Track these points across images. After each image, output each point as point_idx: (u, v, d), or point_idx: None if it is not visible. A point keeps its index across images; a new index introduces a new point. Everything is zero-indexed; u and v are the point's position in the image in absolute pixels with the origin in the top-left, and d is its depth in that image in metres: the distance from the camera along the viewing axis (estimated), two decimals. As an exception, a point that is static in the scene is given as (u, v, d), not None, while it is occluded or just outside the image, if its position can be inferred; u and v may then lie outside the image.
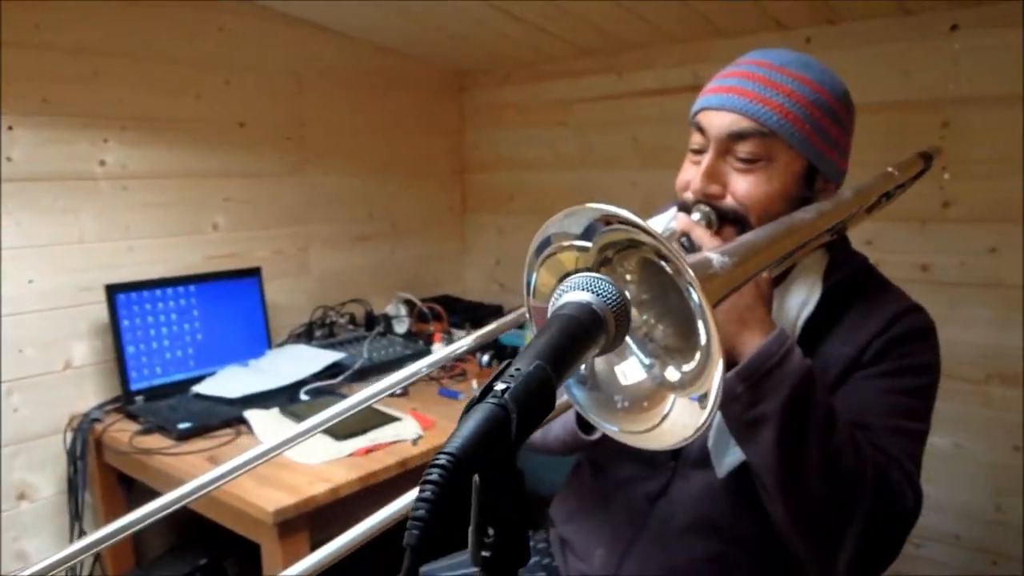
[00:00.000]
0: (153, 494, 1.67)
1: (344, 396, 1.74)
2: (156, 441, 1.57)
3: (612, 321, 0.54)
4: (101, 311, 1.77)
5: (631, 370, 0.68)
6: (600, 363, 0.68)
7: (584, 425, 1.00)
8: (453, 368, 1.98)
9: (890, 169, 1.10)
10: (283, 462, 1.46)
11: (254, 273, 1.99)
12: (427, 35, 2.22)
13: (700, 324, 0.59)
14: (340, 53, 2.25)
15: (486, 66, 2.55)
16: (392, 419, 1.62)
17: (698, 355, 0.62)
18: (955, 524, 1.82)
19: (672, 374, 0.65)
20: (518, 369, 0.45)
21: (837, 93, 0.95)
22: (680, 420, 0.62)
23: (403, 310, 2.38)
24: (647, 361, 0.67)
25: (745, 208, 0.92)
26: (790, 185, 0.93)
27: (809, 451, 0.79)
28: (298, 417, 1.62)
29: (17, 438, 1.70)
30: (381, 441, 1.53)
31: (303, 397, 1.77)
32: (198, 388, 1.77)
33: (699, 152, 0.95)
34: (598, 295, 0.53)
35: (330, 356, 1.91)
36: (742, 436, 0.83)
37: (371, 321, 2.26)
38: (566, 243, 0.65)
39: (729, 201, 0.93)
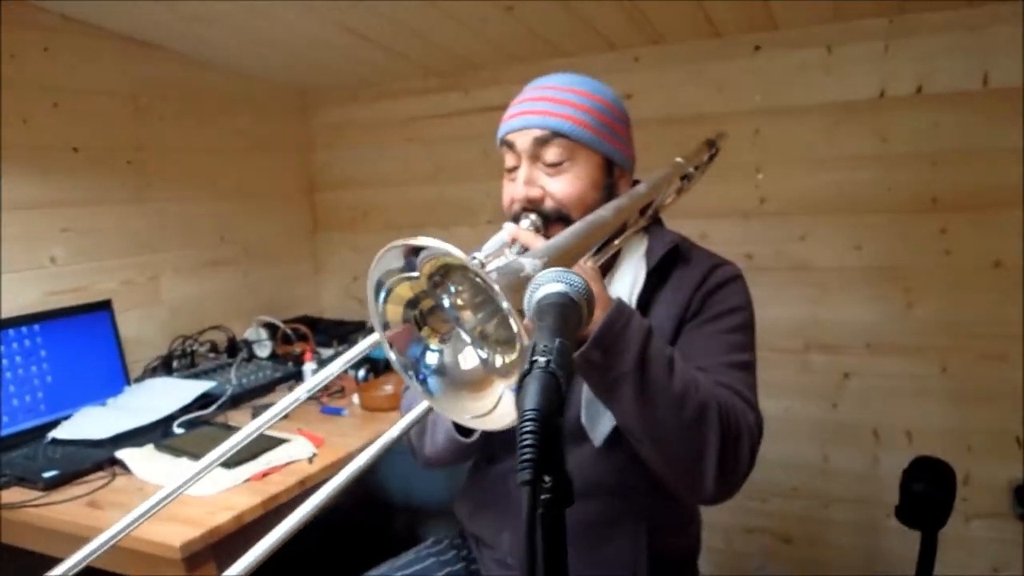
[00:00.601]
0: (17, 554, 1.53)
1: (221, 425, 1.72)
2: (19, 494, 1.43)
3: (584, 304, 0.63)
4: (-73, 361, 1.59)
5: (469, 358, 0.81)
6: (447, 355, 0.81)
7: (460, 430, 1.07)
8: (330, 387, 1.98)
9: (678, 159, 1.30)
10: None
11: (104, 307, 1.87)
12: (268, 55, 2.19)
13: (512, 322, 0.70)
14: (178, 73, 2.17)
15: (331, 84, 2.55)
16: (280, 441, 1.60)
17: (517, 347, 0.73)
18: (792, 478, 2.10)
19: (499, 362, 0.79)
20: (546, 346, 0.52)
21: (610, 98, 1.14)
22: (509, 404, 0.74)
23: (264, 334, 2.32)
24: (483, 354, 0.81)
25: (565, 206, 1.08)
26: (595, 177, 1.10)
27: (664, 395, 0.91)
28: (176, 451, 1.55)
29: None
30: (276, 463, 1.50)
31: (177, 430, 1.69)
32: (55, 433, 1.63)
33: (513, 170, 1.11)
34: (570, 285, 0.61)
35: (199, 386, 1.83)
36: (607, 398, 0.94)
37: (233, 347, 2.18)
38: (395, 278, 0.80)
39: (549, 203, 1.08)
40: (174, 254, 2.17)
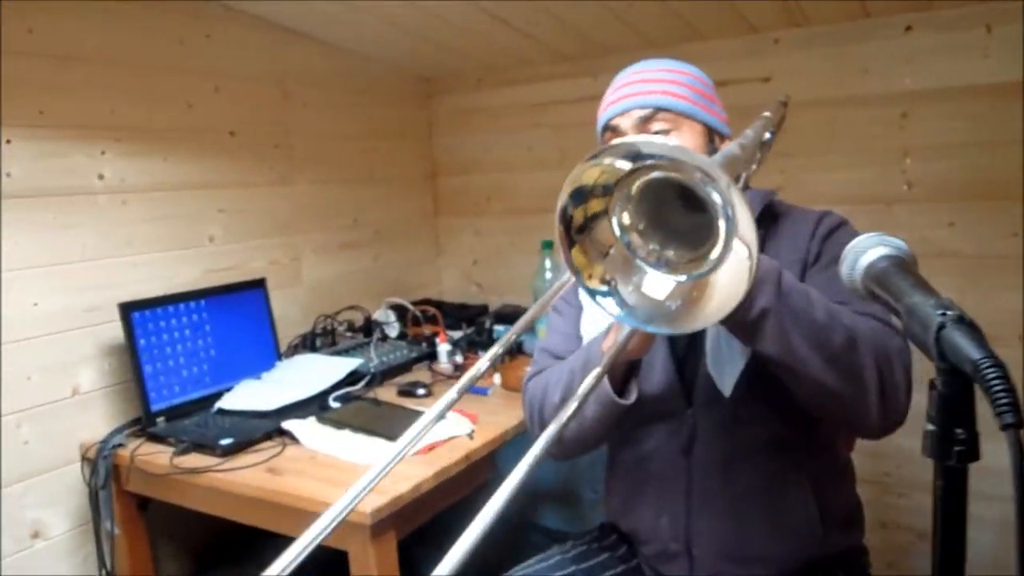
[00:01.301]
0: (172, 512, 1.62)
1: (371, 400, 1.77)
2: (198, 460, 1.52)
3: (912, 258, 0.62)
4: (109, 331, 1.69)
5: (659, 284, 0.80)
6: (630, 296, 0.81)
7: (618, 390, 1.05)
8: (465, 368, 2.02)
9: (766, 113, 1.28)
10: (343, 466, 1.46)
11: (259, 284, 1.95)
12: (395, 40, 2.23)
13: (717, 196, 0.71)
14: (319, 60, 2.24)
15: (455, 71, 2.59)
16: (439, 417, 1.64)
17: (719, 245, 0.73)
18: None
19: (700, 267, 0.77)
20: (932, 301, 0.51)
21: (696, 71, 1.22)
22: (731, 279, 0.73)
23: (392, 315, 2.38)
24: (669, 277, 0.80)
25: None
26: (700, 144, 1.15)
27: (809, 326, 0.91)
28: (338, 424, 1.62)
29: (28, 473, 1.59)
30: (439, 439, 1.55)
31: (333, 404, 1.75)
32: (222, 404, 1.72)
33: None
34: (896, 247, 0.61)
35: (348, 363, 1.90)
36: (753, 335, 0.93)
37: (368, 327, 2.25)
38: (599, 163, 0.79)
39: None
40: (314, 236, 2.24)
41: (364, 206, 2.42)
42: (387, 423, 1.63)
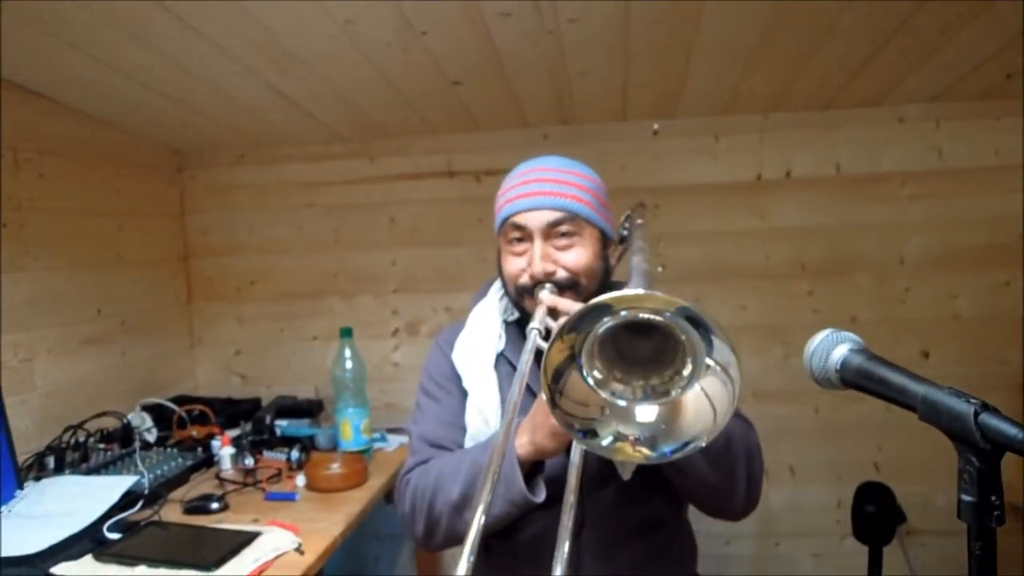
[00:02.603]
0: None
1: (161, 524, 1.51)
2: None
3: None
4: None
5: (646, 412, 0.87)
6: (629, 430, 0.87)
7: (531, 490, 1.08)
8: (256, 472, 1.81)
9: (639, 221, 1.40)
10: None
11: (-13, 396, 1.56)
12: (146, 108, 2.00)
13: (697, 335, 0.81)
14: (58, 123, 1.91)
15: (213, 144, 2.39)
16: (253, 534, 1.44)
17: (688, 363, 0.83)
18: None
19: (679, 391, 0.85)
20: (948, 391, 0.58)
21: (596, 176, 1.27)
22: (710, 400, 0.82)
23: (147, 419, 2.06)
24: (653, 404, 0.87)
25: (578, 274, 1.20)
26: (597, 249, 1.23)
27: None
28: (129, 560, 1.33)
29: None
30: (265, 558, 1.35)
31: (111, 536, 1.44)
32: (-48, 557, 1.32)
33: (519, 242, 1.21)
34: (855, 340, 0.70)
35: (121, 482, 1.59)
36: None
37: (127, 436, 1.91)
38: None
39: (562, 274, 1.19)
40: (50, 331, 1.86)
41: (109, 294, 2.08)
42: (193, 549, 1.39)
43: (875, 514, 1.67)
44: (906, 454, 2.15)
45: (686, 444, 0.82)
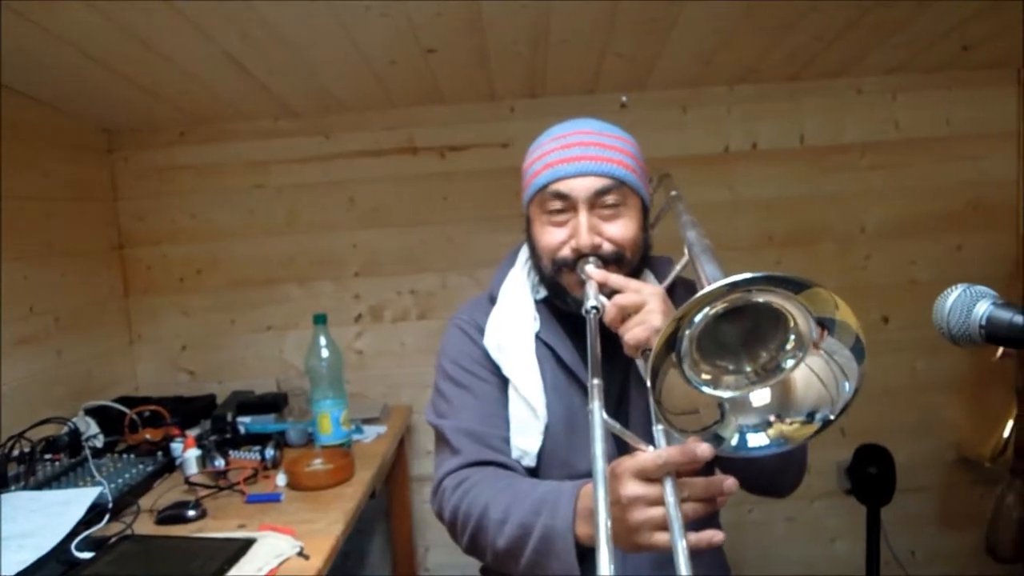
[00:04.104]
0: None
1: (133, 538, 1.36)
2: None
3: None
4: None
5: (761, 396, 0.82)
6: (749, 419, 0.81)
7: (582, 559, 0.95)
8: (228, 474, 1.67)
9: (673, 192, 1.33)
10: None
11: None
12: (73, 78, 1.79)
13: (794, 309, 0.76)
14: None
15: (150, 123, 2.18)
16: (249, 541, 1.31)
17: (791, 337, 0.78)
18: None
19: (791, 362, 0.80)
20: None
21: (636, 142, 1.19)
22: (816, 374, 0.78)
23: (91, 424, 1.87)
24: (764, 385, 0.82)
25: (625, 248, 1.12)
26: (641, 219, 1.16)
27: None
28: (107, 580, 1.20)
29: None
30: (269, 567, 1.24)
31: (81, 556, 1.29)
32: None
33: (560, 213, 1.12)
34: (992, 297, 0.67)
35: (84, 495, 1.42)
36: None
37: (76, 444, 1.71)
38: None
39: (608, 247, 1.11)
40: (-22, 331, 1.65)
41: (41, 288, 1.87)
42: (182, 562, 1.26)
43: (877, 475, 1.71)
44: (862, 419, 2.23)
45: (812, 415, 0.77)
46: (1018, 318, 0.62)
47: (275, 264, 2.26)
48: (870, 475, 1.72)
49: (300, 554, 1.29)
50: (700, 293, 0.70)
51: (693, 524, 0.79)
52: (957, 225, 2.23)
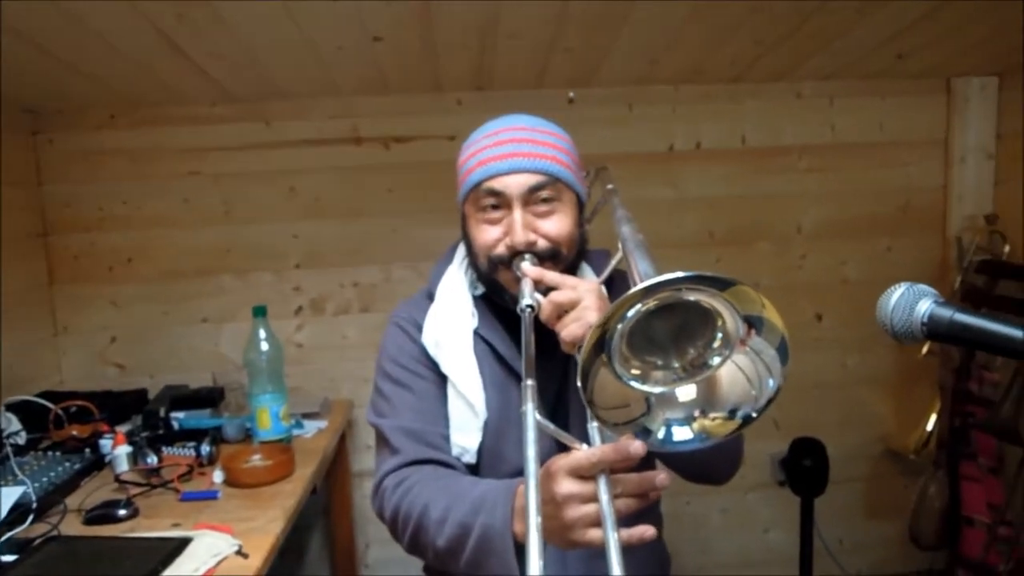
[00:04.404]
0: None
1: (60, 539, 1.30)
2: None
3: None
4: None
5: (687, 391, 0.82)
6: (675, 414, 0.81)
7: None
8: (161, 471, 1.60)
9: (610, 186, 1.30)
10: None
11: None
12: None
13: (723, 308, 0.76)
14: None
15: (79, 104, 2.08)
16: (184, 541, 1.27)
17: (719, 335, 0.78)
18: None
19: (718, 359, 0.80)
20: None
21: (570, 137, 1.19)
22: (742, 371, 0.78)
23: (14, 420, 1.78)
24: (692, 382, 0.82)
25: (560, 244, 1.12)
26: (576, 215, 1.16)
27: None
28: (33, 584, 1.14)
29: None
30: (207, 566, 1.20)
31: (3, 558, 1.22)
32: None
33: (494, 210, 1.11)
34: (934, 296, 0.69)
35: (8, 494, 1.35)
36: None
37: (-4, 440, 1.62)
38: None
39: (543, 243, 1.11)
40: None
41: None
42: (113, 564, 1.21)
43: (811, 468, 1.77)
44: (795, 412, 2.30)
45: (734, 412, 0.79)
46: (958, 316, 0.64)
47: (211, 254, 2.18)
48: (805, 467, 1.77)
49: (239, 553, 1.26)
50: (625, 295, 0.70)
51: (629, 519, 0.80)
52: (887, 227, 2.32)
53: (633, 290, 0.70)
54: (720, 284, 0.71)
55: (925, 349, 2.22)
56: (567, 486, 0.82)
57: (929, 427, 2.23)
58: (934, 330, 0.66)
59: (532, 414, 0.77)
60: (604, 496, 0.78)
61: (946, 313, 0.65)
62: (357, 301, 2.24)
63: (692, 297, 0.75)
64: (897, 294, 0.69)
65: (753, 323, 0.74)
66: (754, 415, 0.77)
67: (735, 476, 1.16)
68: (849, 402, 2.38)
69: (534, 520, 0.65)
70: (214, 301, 2.19)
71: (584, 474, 0.82)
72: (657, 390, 0.79)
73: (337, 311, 2.23)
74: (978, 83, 2.24)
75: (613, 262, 1.06)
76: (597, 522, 0.81)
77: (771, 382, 0.75)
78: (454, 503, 1.00)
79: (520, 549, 0.92)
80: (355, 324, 2.25)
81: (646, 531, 0.79)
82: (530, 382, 0.82)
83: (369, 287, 2.24)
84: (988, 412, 1.99)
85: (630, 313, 0.74)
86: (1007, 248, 2.18)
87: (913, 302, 0.68)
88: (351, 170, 2.19)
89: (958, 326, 0.64)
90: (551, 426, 0.80)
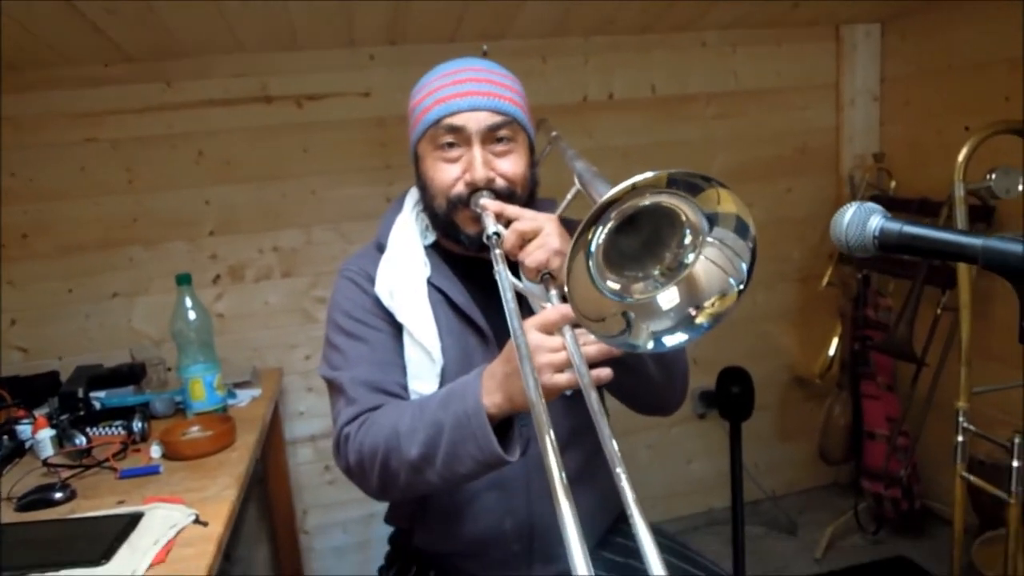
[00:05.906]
0: None
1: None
2: None
3: None
4: None
5: (668, 297, 0.86)
6: (656, 324, 0.85)
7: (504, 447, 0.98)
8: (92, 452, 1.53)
9: (555, 132, 1.35)
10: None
11: None
12: None
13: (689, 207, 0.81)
14: None
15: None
16: (137, 516, 1.23)
17: (687, 232, 0.82)
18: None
19: (693, 256, 0.84)
20: (984, 237, 0.65)
21: (521, 83, 1.21)
22: (716, 265, 0.83)
23: (-88, 412, 1.64)
24: (672, 285, 0.86)
25: (514, 183, 1.15)
26: (529, 157, 1.19)
27: None
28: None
29: None
30: (167, 537, 1.16)
31: (-66, 553, 1.14)
32: None
33: (452, 147, 1.13)
34: (883, 212, 0.75)
35: (-74, 487, 1.25)
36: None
37: None
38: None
39: (500, 182, 1.13)
40: None
41: None
42: (64, 546, 1.16)
43: (739, 394, 1.89)
44: (710, 348, 2.44)
45: (724, 294, 0.83)
46: (907, 228, 0.71)
47: (116, 226, 2.06)
48: (733, 394, 1.89)
49: (197, 522, 1.23)
50: (606, 196, 0.72)
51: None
52: (787, 169, 2.47)
53: (619, 186, 0.71)
54: (689, 186, 0.76)
55: (825, 281, 2.39)
56: (535, 337, 0.92)
57: (831, 352, 2.42)
58: (885, 242, 0.72)
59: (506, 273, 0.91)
60: (571, 344, 0.90)
61: (895, 226, 0.72)
62: (278, 266, 2.18)
63: (650, 201, 0.78)
64: (849, 212, 0.75)
65: (710, 218, 0.79)
66: (743, 287, 0.83)
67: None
68: (758, 336, 2.53)
69: (529, 373, 0.75)
70: (124, 274, 2.08)
71: (550, 329, 0.93)
72: (644, 299, 0.83)
73: (258, 277, 2.17)
74: (863, 30, 2.40)
75: (569, 196, 1.08)
76: (562, 369, 0.92)
77: (743, 264, 0.81)
78: (422, 410, 1.03)
79: (496, 428, 0.96)
80: (277, 290, 2.19)
81: (602, 371, 0.91)
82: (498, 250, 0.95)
83: (290, 251, 2.18)
84: (884, 335, 2.18)
85: (603, 228, 0.77)
86: (893, 183, 2.37)
87: (864, 218, 0.74)
88: (262, 130, 2.11)
89: (907, 236, 0.71)
90: (520, 284, 0.91)
